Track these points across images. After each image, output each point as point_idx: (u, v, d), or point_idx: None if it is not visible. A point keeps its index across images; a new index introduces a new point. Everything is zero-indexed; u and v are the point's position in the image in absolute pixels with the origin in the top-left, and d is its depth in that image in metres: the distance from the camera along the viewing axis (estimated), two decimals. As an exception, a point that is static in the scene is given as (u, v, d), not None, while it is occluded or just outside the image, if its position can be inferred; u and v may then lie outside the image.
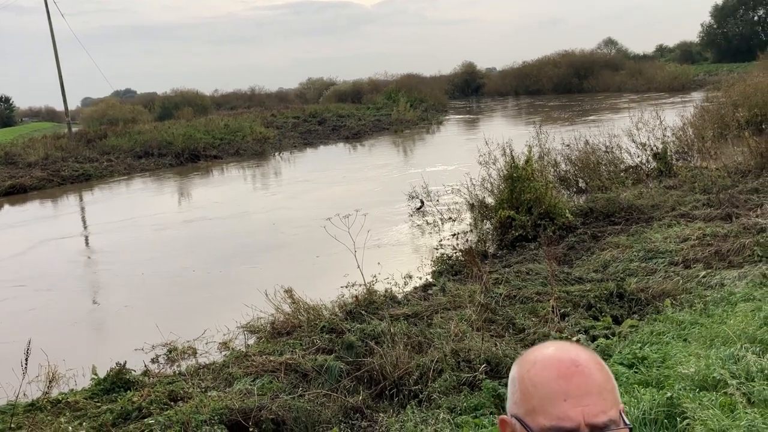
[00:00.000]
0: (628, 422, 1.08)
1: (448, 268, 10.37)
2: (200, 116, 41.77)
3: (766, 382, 3.71)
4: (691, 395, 3.92)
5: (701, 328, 5.90)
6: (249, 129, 34.33)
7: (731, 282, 7.68)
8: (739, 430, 2.97)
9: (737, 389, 3.75)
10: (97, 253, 15.01)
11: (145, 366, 7.72)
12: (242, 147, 31.75)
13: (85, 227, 18.41)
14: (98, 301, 11.41)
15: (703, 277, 8.17)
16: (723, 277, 7.97)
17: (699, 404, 3.71)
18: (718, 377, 4.09)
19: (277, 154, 30.95)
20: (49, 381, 7.27)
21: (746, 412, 3.24)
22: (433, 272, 10.42)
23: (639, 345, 5.75)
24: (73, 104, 65.25)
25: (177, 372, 7.51)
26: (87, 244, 16.20)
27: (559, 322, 7.28)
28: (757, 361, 4.13)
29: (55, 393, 7.09)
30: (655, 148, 15.51)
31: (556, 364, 1.09)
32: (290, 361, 7.00)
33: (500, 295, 8.35)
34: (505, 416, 1.14)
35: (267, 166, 27.86)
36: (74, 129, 36.89)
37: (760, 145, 13.59)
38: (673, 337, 5.87)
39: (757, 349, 4.54)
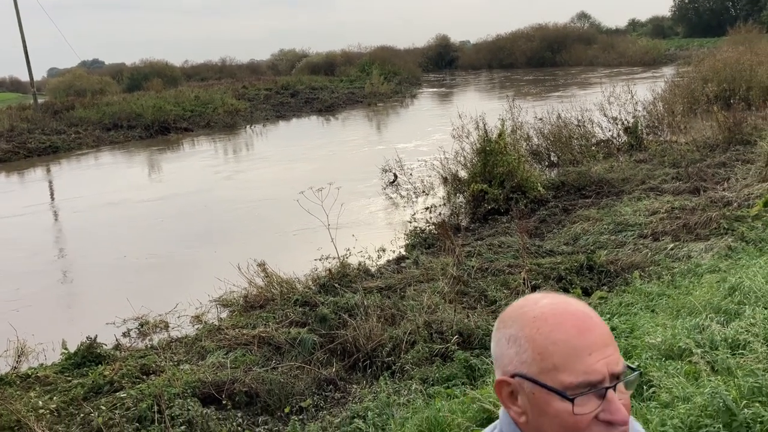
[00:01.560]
0: (635, 367, 1.12)
1: (421, 242, 10.42)
2: (170, 88, 40.98)
3: (729, 351, 3.81)
4: (657, 364, 4.01)
5: (668, 299, 6.03)
6: (220, 101, 33.83)
7: (698, 254, 7.85)
8: (702, 396, 3.05)
9: (702, 358, 3.85)
10: (57, 230, 14.78)
11: (117, 340, 7.65)
12: (213, 119, 31.31)
13: (50, 201, 18.07)
14: (64, 277, 11.24)
15: (671, 249, 8.33)
16: (690, 249, 8.14)
17: (665, 373, 3.80)
18: (683, 347, 4.19)
19: (248, 126, 30.57)
20: (18, 356, 7.19)
21: (710, 380, 3.33)
22: (407, 245, 10.45)
23: (608, 316, 5.86)
24: (39, 75, 63.30)
25: (149, 346, 7.47)
26: (49, 219, 15.90)
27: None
28: (721, 330, 4.24)
29: (24, 368, 7.01)
30: (626, 123, 15.66)
31: (571, 319, 1.08)
32: (263, 334, 7.00)
33: (472, 267, 8.43)
34: (504, 377, 1.10)
35: (238, 139, 27.53)
36: (40, 100, 36.01)
37: (728, 120, 13.80)
38: (641, 308, 5.99)
39: (722, 318, 4.66)
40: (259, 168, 19.71)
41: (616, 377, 1.06)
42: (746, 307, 4.75)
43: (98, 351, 7.02)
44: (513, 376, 1.09)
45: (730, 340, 4.03)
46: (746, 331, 4.08)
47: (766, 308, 4.54)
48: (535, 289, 7.57)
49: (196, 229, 13.14)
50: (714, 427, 2.82)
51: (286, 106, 36.51)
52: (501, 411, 1.16)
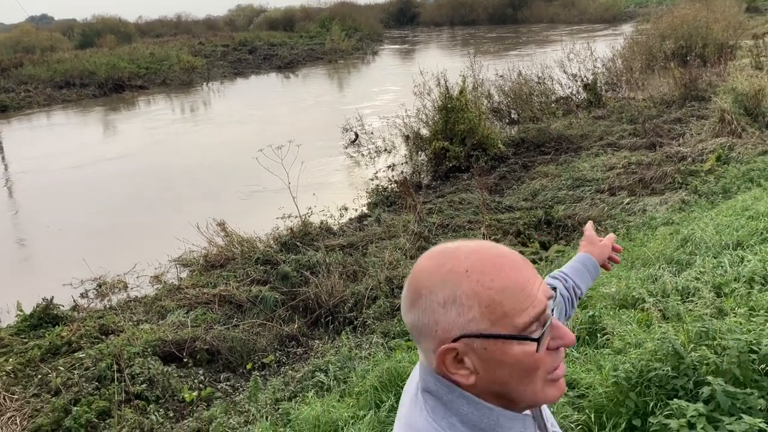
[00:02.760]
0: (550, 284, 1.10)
1: (383, 200, 10.44)
2: (124, 44, 39.68)
3: (679, 298, 3.93)
4: (611, 313, 4.12)
5: (623, 251, 6.16)
6: (176, 58, 32.91)
7: (653, 208, 8.04)
8: (653, 342, 3.15)
9: (654, 306, 3.96)
10: (4, 193, 14.35)
11: (74, 301, 7.53)
12: (169, 77, 30.50)
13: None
14: (15, 241, 10.95)
15: (627, 203, 8.51)
16: (645, 203, 8.33)
17: (618, 321, 3.91)
18: (637, 296, 4.31)
19: (205, 84, 29.91)
20: (-29, 319, 7.03)
21: (660, 326, 3.44)
22: (369, 204, 10.46)
23: (565, 269, 5.96)
24: (-17, 30, 60.56)
25: (107, 306, 7.39)
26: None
27: (490, 249, 7.47)
28: (673, 279, 4.37)
29: (-22, 331, 6.86)
30: (585, 79, 15.75)
31: (504, 261, 1.02)
32: (224, 293, 6.98)
33: (433, 224, 8.48)
34: (449, 345, 1.01)
35: (194, 97, 26.88)
36: (-15, 57, 34.49)
37: (684, 76, 13.98)
38: (597, 261, 6.11)
39: (673, 269, 4.80)
40: (214, 128, 19.30)
41: (549, 299, 1.04)
42: (697, 257, 4.90)
43: (55, 312, 6.92)
44: (456, 339, 1.00)
45: (680, 289, 4.15)
46: (696, 279, 4.21)
47: (715, 257, 4.68)
48: (494, 244, 7.66)
49: (152, 190, 12.90)
50: (663, 370, 2.91)
51: (244, 62, 35.72)
52: (422, 396, 1.06)
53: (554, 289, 1.10)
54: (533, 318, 1.00)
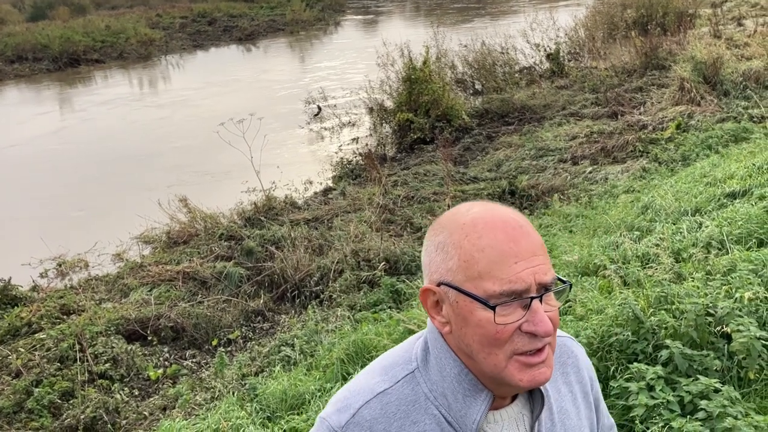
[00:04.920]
0: (565, 279, 1.07)
1: (348, 173, 10.39)
2: (78, 17, 38.42)
3: (639, 264, 4.00)
4: (573, 280, 4.18)
5: (585, 219, 6.26)
6: (133, 30, 32.01)
7: (614, 176, 8.15)
8: (614, 308, 3.20)
9: (615, 273, 4.02)
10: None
11: (33, 281, 7.36)
12: (126, 50, 29.71)
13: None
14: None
15: (590, 172, 8.61)
16: (607, 172, 8.43)
17: (580, 288, 3.96)
18: (598, 263, 4.38)
19: (164, 57, 29.22)
20: (-74, 302, 6.82)
21: (621, 292, 3.49)
22: (334, 177, 10.39)
23: (528, 237, 6.02)
24: (-72, 3, 58.01)
25: (68, 286, 7.24)
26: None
27: (455, 220, 7.51)
28: (633, 246, 4.44)
29: (-67, 314, 6.67)
30: (548, 49, 15.79)
31: (501, 226, 1.02)
32: (188, 270, 6.90)
33: (399, 196, 8.48)
34: (429, 286, 1.06)
35: (152, 71, 26.24)
36: (-68, 30, 33.10)
37: (645, 45, 14.10)
38: (560, 229, 6.20)
39: (634, 236, 4.87)
40: (174, 104, 18.89)
41: (544, 288, 1.02)
42: (657, 223, 4.99)
43: (14, 293, 6.76)
44: (439, 284, 1.05)
45: (641, 255, 4.22)
46: (656, 245, 4.28)
47: (674, 224, 4.77)
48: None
49: (113, 169, 12.59)
50: (623, 335, 2.97)
51: (203, 34, 34.89)
52: (428, 320, 1.11)
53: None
54: (506, 291, 0.99)
